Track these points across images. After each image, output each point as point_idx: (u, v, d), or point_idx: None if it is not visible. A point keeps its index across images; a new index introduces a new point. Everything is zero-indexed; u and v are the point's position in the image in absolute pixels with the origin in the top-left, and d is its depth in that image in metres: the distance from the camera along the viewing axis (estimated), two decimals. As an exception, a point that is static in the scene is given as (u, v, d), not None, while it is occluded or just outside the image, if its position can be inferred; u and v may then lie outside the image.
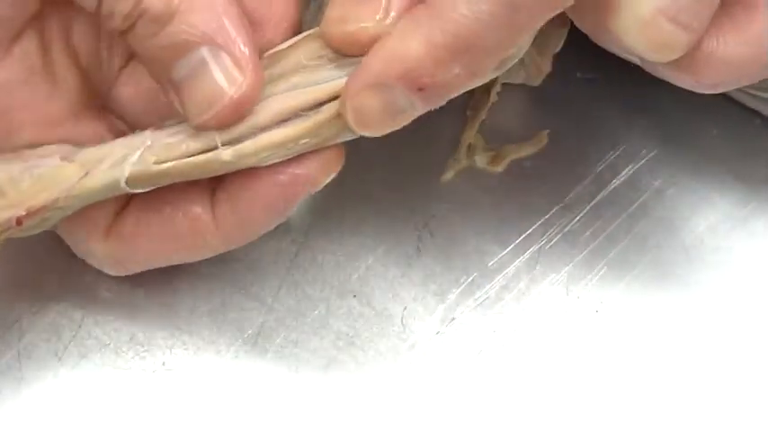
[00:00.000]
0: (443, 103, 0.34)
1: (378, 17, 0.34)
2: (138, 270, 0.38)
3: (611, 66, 0.43)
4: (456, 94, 0.34)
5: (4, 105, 0.35)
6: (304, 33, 0.36)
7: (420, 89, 0.33)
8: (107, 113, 0.37)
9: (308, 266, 0.42)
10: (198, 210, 0.36)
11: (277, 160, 0.35)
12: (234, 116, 0.34)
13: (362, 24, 0.34)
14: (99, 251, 0.37)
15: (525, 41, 0.35)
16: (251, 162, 0.35)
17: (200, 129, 0.34)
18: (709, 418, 0.40)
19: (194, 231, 0.36)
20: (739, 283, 0.43)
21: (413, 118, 0.34)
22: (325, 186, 0.41)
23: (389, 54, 0.33)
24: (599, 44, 0.37)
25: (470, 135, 0.44)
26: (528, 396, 0.40)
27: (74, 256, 0.39)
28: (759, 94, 0.45)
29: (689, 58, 0.35)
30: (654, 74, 0.37)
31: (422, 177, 0.44)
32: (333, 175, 0.36)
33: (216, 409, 0.39)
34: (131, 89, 0.38)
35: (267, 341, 0.40)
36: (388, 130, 0.35)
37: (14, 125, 0.35)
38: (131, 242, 0.37)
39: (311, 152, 0.35)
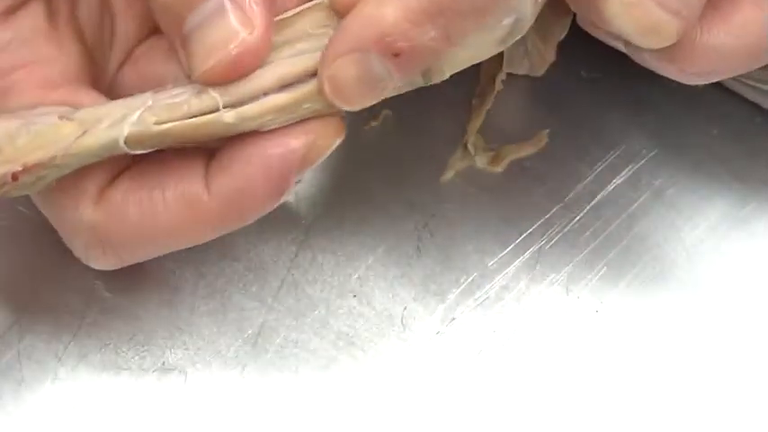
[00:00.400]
0: (418, 72, 0.34)
1: None
2: (127, 256, 0.36)
3: (611, 65, 0.43)
4: (431, 64, 0.34)
5: (6, 65, 0.35)
6: (310, 3, 0.35)
7: (396, 54, 0.33)
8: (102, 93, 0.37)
9: (308, 266, 0.41)
10: (191, 178, 0.35)
11: (278, 126, 0.34)
12: (234, 71, 0.34)
13: None
14: (87, 220, 0.35)
15: (524, 12, 0.34)
16: (253, 125, 0.34)
17: (201, 82, 0.34)
18: (709, 418, 0.40)
19: (187, 202, 0.35)
20: (739, 283, 0.43)
21: (389, 90, 0.34)
22: (325, 186, 0.41)
23: (365, 19, 0.33)
24: (586, 29, 0.37)
25: (477, 124, 0.44)
26: (528, 396, 0.40)
27: (74, 256, 0.39)
28: (759, 86, 0.45)
29: (673, 46, 0.35)
30: (639, 62, 0.37)
31: (422, 177, 0.44)
32: (334, 145, 0.35)
33: (216, 409, 0.39)
34: (134, 76, 0.38)
35: (267, 341, 0.40)
36: (366, 103, 0.34)
37: (14, 85, 0.35)
38: (121, 211, 0.35)
39: (312, 120, 0.35)
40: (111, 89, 0.38)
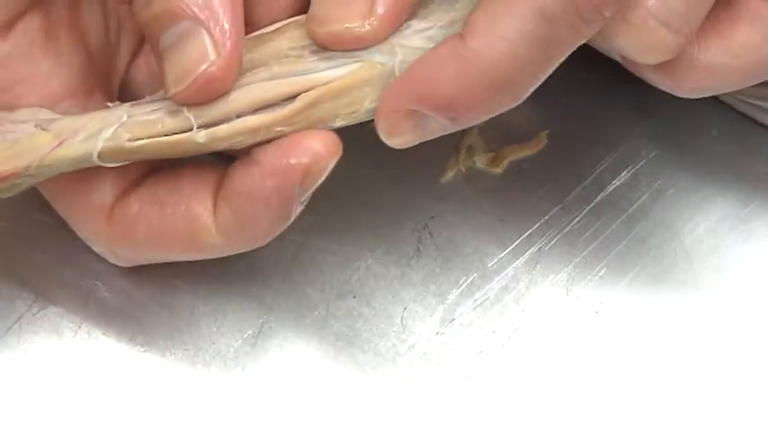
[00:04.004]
0: (473, 124, 0.35)
1: (363, 18, 0.34)
2: (140, 262, 0.38)
3: (611, 66, 0.43)
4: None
5: (6, 81, 0.35)
6: (290, 19, 0.36)
7: (453, 118, 0.34)
8: (110, 97, 0.37)
9: (307, 267, 0.41)
10: (199, 209, 0.36)
11: (247, 145, 0.35)
12: (204, 93, 0.34)
13: (347, 25, 0.34)
14: (100, 232, 0.37)
15: None
16: (223, 145, 0.35)
17: (175, 101, 0.34)
18: (710, 418, 0.40)
19: (193, 231, 0.36)
20: (739, 283, 0.43)
21: (442, 134, 0.35)
22: (325, 186, 0.41)
23: (426, 85, 0.33)
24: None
25: (471, 138, 0.45)
26: (528, 397, 0.40)
27: (74, 256, 0.39)
28: (757, 102, 0.45)
29: (670, 62, 0.35)
30: (634, 72, 0.37)
31: (422, 178, 0.44)
32: (329, 166, 0.35)
33: (215, 409, 0.39)
34: (145, 73, 0.38)
35: (267, 341, 0.40)
36: (415, 143, 0.35)
37: (16, 100, 0.35)
38: (131, 229, 0.36)
39: (304, 142, 0.35)
40: (123, 87, 0.38)
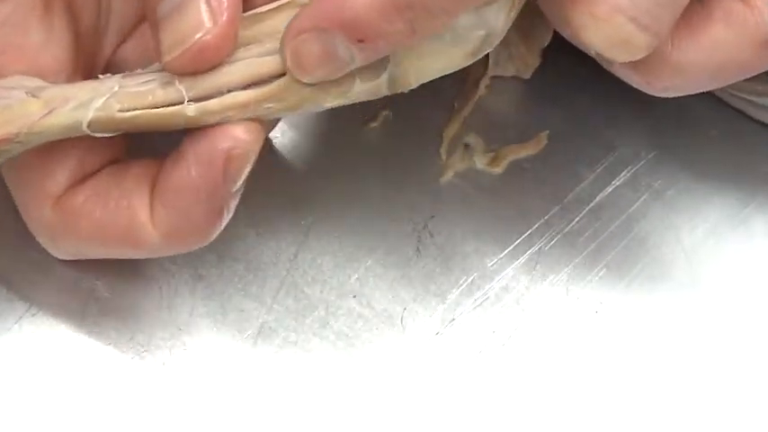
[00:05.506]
0: (379, 57, 0.34)
1: None
2: (79, 255, 0.38)
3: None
4: (394, 51, 0.34)
5: None
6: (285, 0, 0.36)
7: (360, 40, 0.33)
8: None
9: (307, 267, 0.41)
10: (137, 204, 0.35)
11: (236, 120, 0.35)
12: (198, 62, 0.34)
13: None
14: (44, 219, 0.37)
15: (495, 27, 0.35)
16: (214, 119, 0.35)
17: (168, 69, 0.34)
18: (710, 418, 0.40)
19: (131, 226, 0.35)
20: (739, 283, 0.43)
21: (348, 70, 0.34)
22: (325, 186, 0.41)
23: (337, 3, 0.33)
24: (564, 36, 0.37)
25: (454, 128, 0.45)
26: (528, 396, 0.40)
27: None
28: (752, 98, 0.45)
29: (643, 59, 0.35)
30: (608, 69, 0.37)
31: (422, 178, 0.44)
32: (252, 152, 0.35)
33: (216, 409, 0.39)
34: (139, 50, 0.38)
35: (267, 342, 0.40)
36: (324, 78, 0.34)
37: (5, 70, 0.35)
38: (74, 220, 0.36)
39: (226, 129, 0.35)
40: (109, 68, 0.38)
